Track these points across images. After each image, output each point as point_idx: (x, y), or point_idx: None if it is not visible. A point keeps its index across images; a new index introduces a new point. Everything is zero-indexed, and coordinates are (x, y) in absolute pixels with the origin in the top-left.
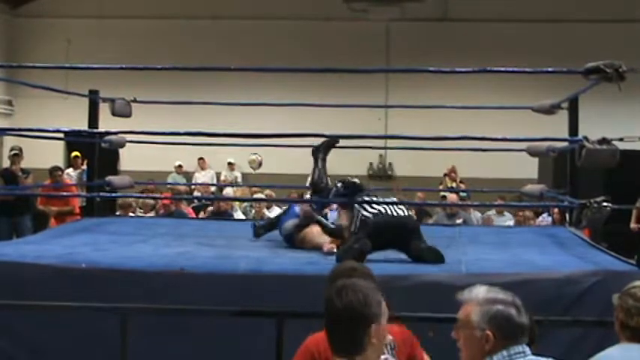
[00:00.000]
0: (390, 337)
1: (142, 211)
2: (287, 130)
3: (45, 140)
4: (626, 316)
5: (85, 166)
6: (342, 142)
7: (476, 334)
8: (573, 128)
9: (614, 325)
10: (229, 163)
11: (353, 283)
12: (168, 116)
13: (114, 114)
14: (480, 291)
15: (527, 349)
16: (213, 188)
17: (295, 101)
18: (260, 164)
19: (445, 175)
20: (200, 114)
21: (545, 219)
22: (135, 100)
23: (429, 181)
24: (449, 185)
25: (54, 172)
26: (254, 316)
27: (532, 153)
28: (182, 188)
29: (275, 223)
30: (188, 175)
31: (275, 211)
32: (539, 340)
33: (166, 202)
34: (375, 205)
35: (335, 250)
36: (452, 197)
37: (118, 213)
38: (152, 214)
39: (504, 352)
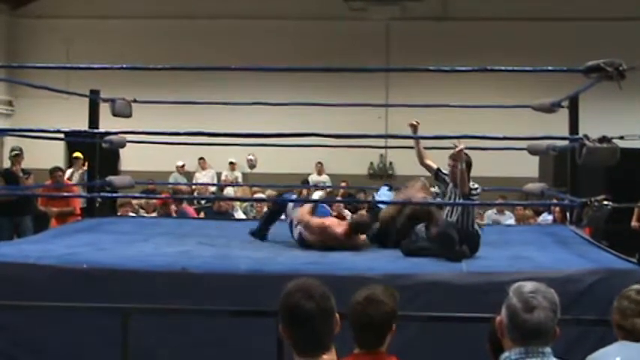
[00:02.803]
0: None
1: (144, 211)
2: (287, 129)
3: (45, 141)
4: (622, 317)
5: (85, 167)
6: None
7: None
8: (574, 127)
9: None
10: (230, 163)
11: (308, 283)
12: (168, 116)
13: (114, 114)
14: None
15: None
16: (213, 188)
17: (295, 101)
18: (254, 164)
19: None
20: (200, 114)
21: (545, 218)
22: (135, 100)
23: (430, 180)
24: None
25: (54, 172)
26: (254, 316)
27: (532, 151)
28: (183, 188)
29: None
30: (189, 175)
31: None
32: None
33: (165, 201)
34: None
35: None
36: None
37: (119, 213)
38: (155, 214)
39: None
